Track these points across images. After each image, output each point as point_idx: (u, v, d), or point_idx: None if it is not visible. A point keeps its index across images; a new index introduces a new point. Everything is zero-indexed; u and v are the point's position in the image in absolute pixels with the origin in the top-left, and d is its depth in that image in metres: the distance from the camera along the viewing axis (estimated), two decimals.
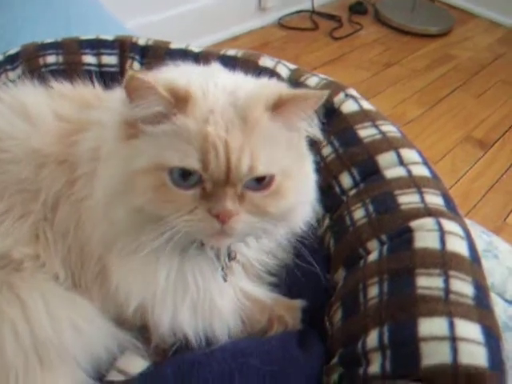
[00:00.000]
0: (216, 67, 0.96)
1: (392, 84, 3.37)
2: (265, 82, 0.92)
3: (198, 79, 0.83)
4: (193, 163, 0.75)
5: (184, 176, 0.77)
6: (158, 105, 0.77)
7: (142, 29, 2.72)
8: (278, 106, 0.80)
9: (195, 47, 1.42)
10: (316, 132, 0.89)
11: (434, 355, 0.76)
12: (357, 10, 4.20)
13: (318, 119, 0.89)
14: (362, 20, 4.08)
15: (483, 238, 1.28)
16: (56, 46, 1.42)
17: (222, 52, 1.38)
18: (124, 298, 0.91)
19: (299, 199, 0.88)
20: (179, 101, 0.77)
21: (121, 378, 0.93)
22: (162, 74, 0.86)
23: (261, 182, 0.80)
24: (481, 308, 0.81)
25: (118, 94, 0.98)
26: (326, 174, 1.08)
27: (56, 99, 1.03)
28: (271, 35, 3.78)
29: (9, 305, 0.86)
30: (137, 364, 0.94)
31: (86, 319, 0.91)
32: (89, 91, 1.09)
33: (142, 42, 1.45)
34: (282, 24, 3.89)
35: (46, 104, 1.01)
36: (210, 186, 0.77)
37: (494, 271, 1.05)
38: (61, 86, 1.09)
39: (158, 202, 0.78)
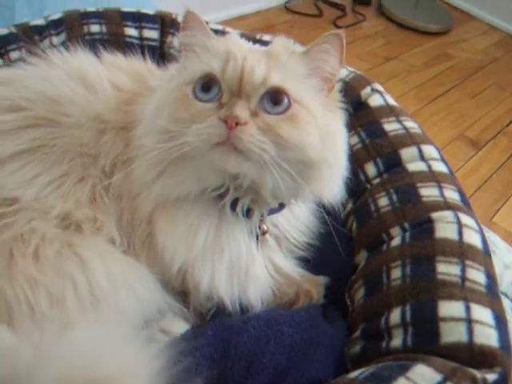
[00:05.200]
0: None
1: (390, 78, 3.43)
2: None
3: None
4: (214, 68, 0.85)
5: (205, 88, 0.85)
6: (202, 34, 0.91)
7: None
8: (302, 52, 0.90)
9: (232, 29, 1.47)
10: (336, 72, 0.92)
11: (453, 334, 0.83)
12: (360, 0, 4.25)
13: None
14: (364, 11, 4.13)
15: None
16: (99, 16, 1.45)
17: (258, 36, 1.44)
18: (169, 259, 0.96)
19: (324, 155, 0.88)
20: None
21: (164, 338, 0.97)
22: None
23: (277, 105, 0.84)
24: (491, 295, 0.90)
25: (171, 70, 1.04)
26: (352, 162, 1.10)
27: (111, 69, 1.08)
28: (276, 18, 3.82)
29: (70, 263, 0.89)
30: (179, 325, 0.99)
31: (140, 282, 0.95)
32: (141, 64, 1.15)
33: (180, 18, 1.49)
34: (287, 8, 3.93)
35: (103, 73, 1.06)
36: (226, 97, 0.84)
37: None
38: (113, 57, 1.14)
39: (177, 111, 0.86)
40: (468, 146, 2.97)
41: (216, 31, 1.42)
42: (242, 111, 0.80)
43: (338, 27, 3.82)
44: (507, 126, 3.19)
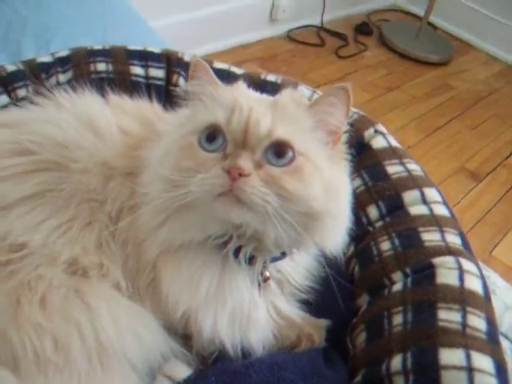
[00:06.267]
0: None
1: (392, 109, 3.45)
2: None
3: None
4: (219, 118, 0.86)
5: (210, 138, 0.87)
6: (209, 83, 0.93)
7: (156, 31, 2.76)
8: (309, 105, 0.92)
9: (237, 69, 1.49)
10: (342, 125, 0.94)
11: (454, 382, 0.84)
12: (362, 30, 4.29)
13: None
14: (366, 41, 4.17)
15: None
16: (105, 54, 1.46)
17: (262, 76, 1.45)
18: (172, 306, 0.97)
19: (327, 207, 0.88)
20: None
21: (167, 382, 0.98)
22: None
23: (281, 157, 0.84)
24: (492, 343, 0.90)
25: (178, 116, 1.05)
26: (355, 205, 1.10)
27: (118, 113, 1.09)
28: (279, 47, 3.85)
29: (76, 310, 0.89)
30: (181, 370, 1.00)
31: (145, 327, 0.95)
32: (148, 107, 1.16)
33: (187, 58, 1.52)
34: (290, 37, 3.97)
35: (110, 117, 1.07)
36: (231, 148, 0.85)
37: None
38: (120, 99, 1.16)
39: (182, 161, 0.86)
40: (468, 179, 2.98)
41: (221, 70, 1.44)
42: (245, 162, 0.81)
43: (339, 57, 3.87)
44: (507, 158, 3.21)
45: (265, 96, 1.02)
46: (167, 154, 0.91)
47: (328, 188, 0.88)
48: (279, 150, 0.84)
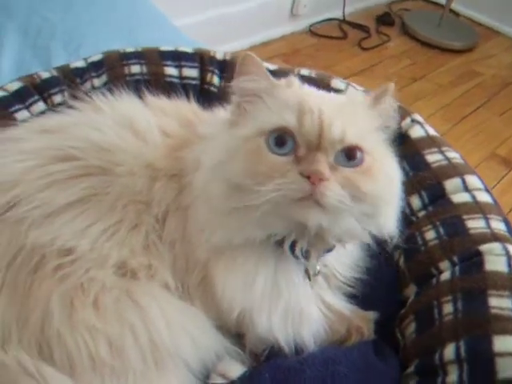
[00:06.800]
0: None
1: (417, 99, 3.42)
2: None
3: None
4: (290, 121, 0.83)
5: (279, 142, 0.84)
6: (264, 80, 0.90)
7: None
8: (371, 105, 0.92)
9: (270, 65, 1.49)
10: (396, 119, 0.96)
11: (509, 370, 0.84)
12: (384, 21, 4.26)
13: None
14: (389, 31, 4.14)
15: None
16: (138, 56, 1.47)
17: (296, 71, 1.45)
18: (228, 305, 0.96)
19: (388, 198, 0.89)
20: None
21: (222, 381, 0.98)
22: None
23: (352, 159, 0.84)
24: None
25: (220, 114, 1.06)
26: None
27: (157, 114, 1.09)
28: (301, 42, 3.85)
29: (129, 311, 0.90)
30: (235, 369, 1.00)
31: (197, 326, 0.96)
32: (186, 107, 1.15)
33: (219, 56, 1.53)
34: (312, 31, 3.96)
35: (150, 119, 1.06)
36: (303, 151, 0.83)
37: None
38: (157, 100, 1.15)
39: (252, 165, 0.83)
40: (500, 165, 2.95)
41: None
42: (323, 167, 0.79)
43: (363, 48, 3.86)
44: None
45: (324, 93, 0.99)
46: (231, 158, 0.87)
47: (388, 181, 0.89)
48: (350, 153, 0.84)
